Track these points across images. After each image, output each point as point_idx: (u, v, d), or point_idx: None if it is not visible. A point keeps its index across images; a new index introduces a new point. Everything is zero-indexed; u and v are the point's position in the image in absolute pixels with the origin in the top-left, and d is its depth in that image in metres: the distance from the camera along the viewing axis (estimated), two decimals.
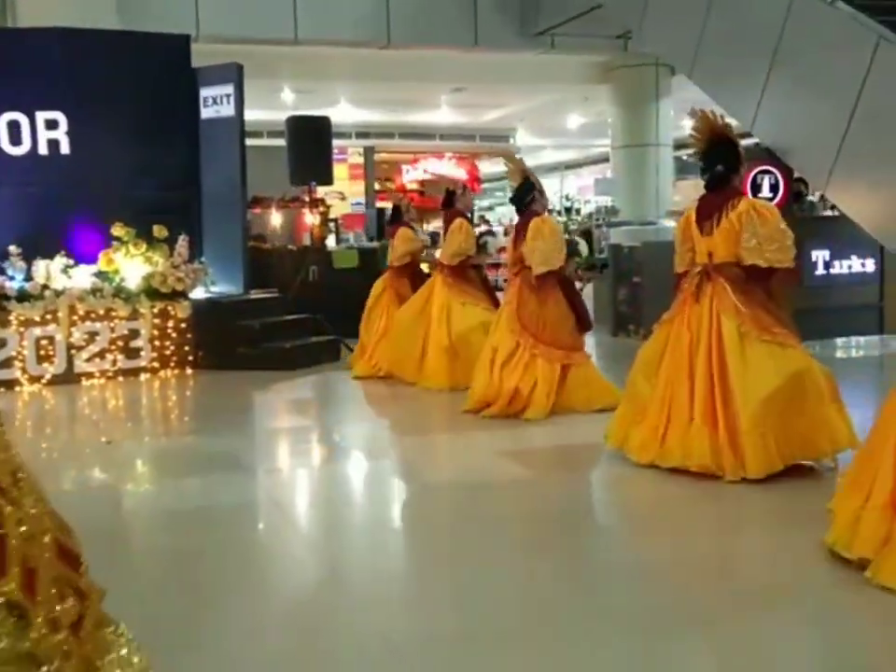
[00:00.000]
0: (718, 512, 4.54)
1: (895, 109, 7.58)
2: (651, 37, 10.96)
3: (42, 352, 8.58)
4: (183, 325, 9.18)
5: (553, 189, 25.01)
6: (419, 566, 4.00)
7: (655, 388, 5.15)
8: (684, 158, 21.04)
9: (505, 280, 9.58)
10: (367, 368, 8.67)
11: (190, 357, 9.16)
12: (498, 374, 6.62)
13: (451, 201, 8.19)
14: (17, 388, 8.44)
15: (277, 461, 6.21)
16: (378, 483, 5.53)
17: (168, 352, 9.10)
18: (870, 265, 9.94)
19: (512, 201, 7.18)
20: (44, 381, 8.57)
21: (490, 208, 28.91)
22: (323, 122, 11.58)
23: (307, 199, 12.03)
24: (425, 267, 9.38)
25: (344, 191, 21.22)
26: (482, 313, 7.70)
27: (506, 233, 22.41)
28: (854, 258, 9.88)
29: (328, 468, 5.85)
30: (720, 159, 5.24)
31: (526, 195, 6.93)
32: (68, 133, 9.69)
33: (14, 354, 8.49)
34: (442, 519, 4.67)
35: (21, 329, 8.52)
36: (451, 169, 23.96)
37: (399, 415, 7.55)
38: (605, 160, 20.27)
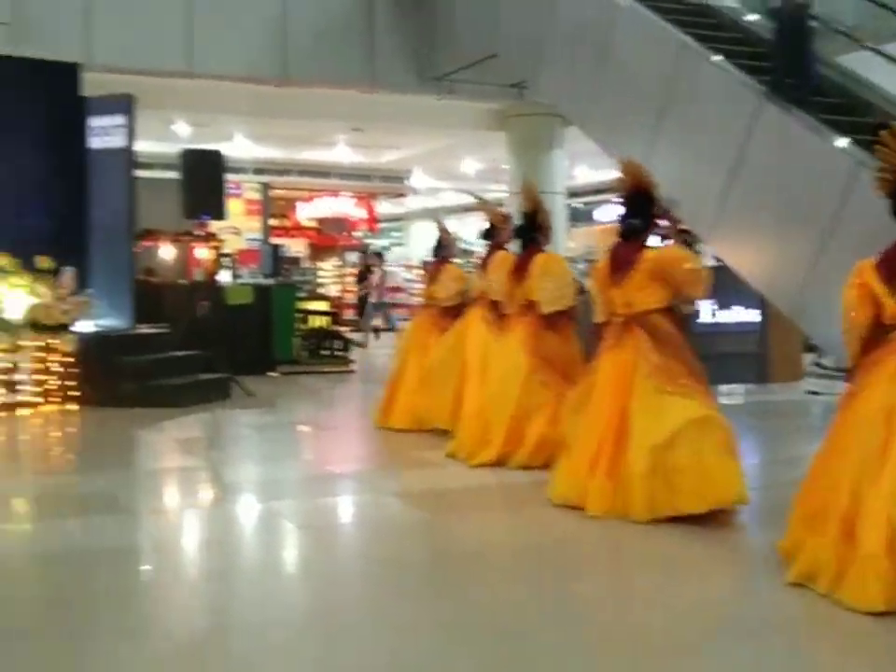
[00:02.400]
0: (626, 552, 4.64)
1: (775, 165, 7.95)
2: (545, 88, 11.23)
3: None
4: (67, 359, 8.88)
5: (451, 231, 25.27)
6: (307, 612, 3.90)
7: (579, 433, 5.27)
8: (581, 206, 21.58)
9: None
10: (401, 418, 7.80)
11: (74, 393, 8.86)
12: (519, 421, 6.16)
13: (492, 234, 7.46)
14: None
15: (161, 502, 6.03)
16: (267, 525, 5.40)
17: (50, 387, 8.78)
18: (753, 315, 10.31)
19: (518, 232, 6.78)
20: None
21: (387, 248, 28.98)
22: (216, 156, 11.47)
23: (199, 233, 11.87)
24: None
25: (240, 227, 21.01)
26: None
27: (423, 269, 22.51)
28: (738, 307, 10.24)
29: (214, 510, 5.71)
30: (637, 212, 5.36)
31: (531, 230, 6.58)
32: None
33: None
34: (332, 563, 4.60)
35: None
36: (348, 208, 24.00)
37: (296, 456, 7.45)
38: (501, 205, 20.62)
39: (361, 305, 18.46)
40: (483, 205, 8.12)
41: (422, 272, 21.85)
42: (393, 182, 23.53)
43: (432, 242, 8.29)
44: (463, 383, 7.10)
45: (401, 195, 25.48)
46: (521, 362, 6.26)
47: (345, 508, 5.85)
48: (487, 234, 7.49)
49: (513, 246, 7.19)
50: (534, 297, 6.36)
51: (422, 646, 3.44)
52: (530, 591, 4.07)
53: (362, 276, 19.04)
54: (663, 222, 5.42)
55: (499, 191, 19.59)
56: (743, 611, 3.88)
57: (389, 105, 15.15)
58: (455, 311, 7.67)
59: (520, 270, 6.51)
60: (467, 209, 27.28)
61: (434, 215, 16.92)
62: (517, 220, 7.04)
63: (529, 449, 6.12)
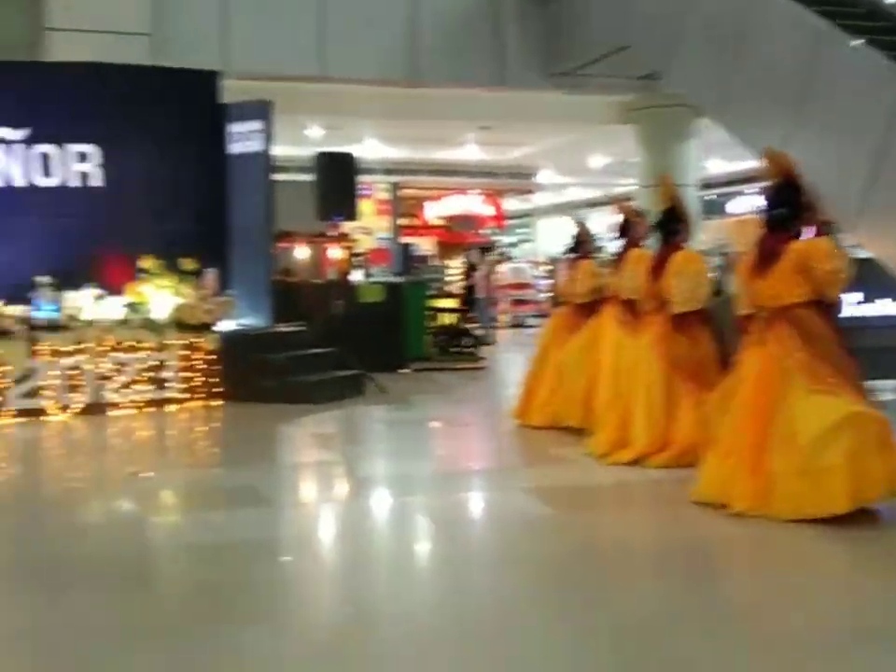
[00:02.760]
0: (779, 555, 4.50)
1: None
2: (679, 79, 11.03)
3: (71, 382, 8.65)
4: (210, 357, 9.22)
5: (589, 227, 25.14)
6: (441, 606, 3.95)
7: (724, 430, 5.18)
8: (714, 197, 21.13)
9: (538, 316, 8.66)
10: (538, 416, 7.73)
11: (217, 389, 9.20)
12: (658, 423, 6.14)
13: (626, 230, 7.23)
14: (45, 418, 8.49)
15: (301, 495, 6.21)
16: (403, 519, 5.51)
17: (195, 383, 9.14)
18: None
19: (657, 228, 6.67)
20: (73, 411, 8.64)
21: (513, 245, 29.02)
22: (348, 159, 11.71)
23: (333, 233, 12.16)
24: None
25: (370, 226, 21.38)
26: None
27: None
28: (885, 300, 9.81)
29: (352, 503, 5.84)
30: (783, 202, 5.20)
31: (672, 224, 6.49)
32: (98, 166, 9.88)
33: (43, 384, 8.56)
34: (466, 557, 4.65)
35: (51, 359, 8.60)
36: (476, 205, 24.16)
37: (430, 451, 7.55)
38: (629, 199, 20.40)
39: (467, 303, 18.47)
40: (616, 201, 8.00)
41: (550, 267, 21.69)
42: (520, 178, 23.54)
43: (568, 238, 8.23)
44: (595, 381, 7.02)
45: (529, 191, 25.48)
46: (651, 365, 6.21)
47: (478, 504, 5.91)
48: (622, 231, 7.34)
49: (649, 243, 7.07)
50: (668, 296, 6.27)
51: (557, 643, 3.45)
52: (671, 589, 4.02)
53: (467, 274, 19.04)
54: (811, 213, 5.25)
55: (628, 186, 19.38)
56: (892, 615, 3.75)
57: (517, 103, 15.14)
58: (590, 308, 7.58)
59: (658, 267, 6.41)
60: (593, 204, 27.16)
61: (567, 210, 16.92)
62: (653, 216, 6.93)
63: (672, 454, 6.04)
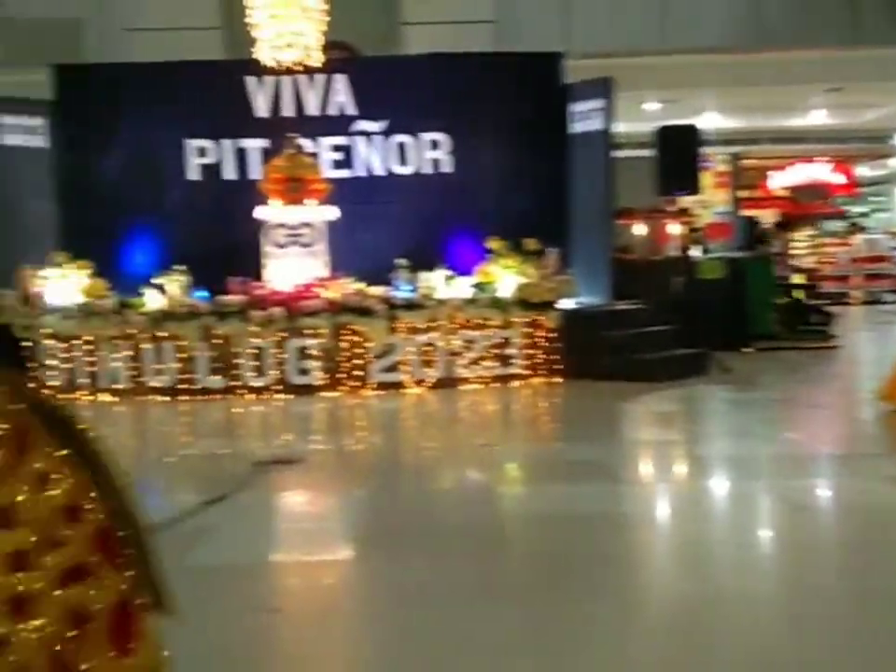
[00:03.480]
0: None
1: None
2: None
3: (425, 357, 9.23)
4: (551, 334, 9.44)
5: None
6: (793, 589, 3.83)
7: None
8: None
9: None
10: None
11: (558, 366, 9.40)
12: None
13: None
14: (402, 391, 9.14)
15: (643, 472, 6.23)
16: (747, 501, 5.35)
17: (537, 360, 9.40)
18: None
19: None
20: (426, 384, 9.22)
21: (865, 214, 26.98)
22: (691, 132, 11.47)
23: (671, 209, 11.97)
24: None
25: (708, 200, 20.77)
26: None
27: None
28: None
29: (694, 482, 5.79)
30: None
31: None
32: (448, 153, 10.45)
33: (401, 359, 9.20)
34: (818, 543, 4.45)
35: (408, 336, 9.23)
36: (824, 174, 22.72)
37: (777, 433, 7.27)
38: None
39: None
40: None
41: None
42: (874, 143, 21.84)
43: None
44: None
45: (884, 156, 23.56)
46: None
47: (832, 490, 5.62)
48: None
49: None
50: None
51: None
52: None
53: (751, 245, 17.67)
54: None
55: None
56: None
57: (872, 60, 14.06)
58: None
59: None
60: None
61: None
62: None
63: None
